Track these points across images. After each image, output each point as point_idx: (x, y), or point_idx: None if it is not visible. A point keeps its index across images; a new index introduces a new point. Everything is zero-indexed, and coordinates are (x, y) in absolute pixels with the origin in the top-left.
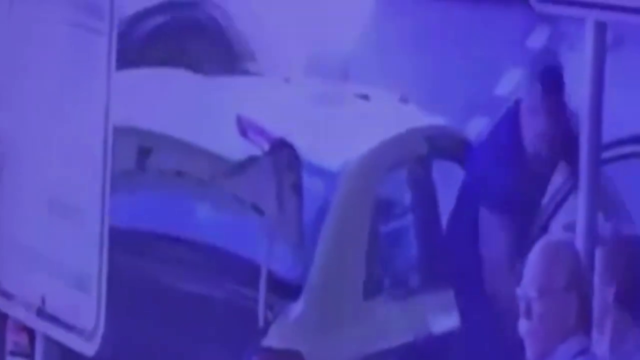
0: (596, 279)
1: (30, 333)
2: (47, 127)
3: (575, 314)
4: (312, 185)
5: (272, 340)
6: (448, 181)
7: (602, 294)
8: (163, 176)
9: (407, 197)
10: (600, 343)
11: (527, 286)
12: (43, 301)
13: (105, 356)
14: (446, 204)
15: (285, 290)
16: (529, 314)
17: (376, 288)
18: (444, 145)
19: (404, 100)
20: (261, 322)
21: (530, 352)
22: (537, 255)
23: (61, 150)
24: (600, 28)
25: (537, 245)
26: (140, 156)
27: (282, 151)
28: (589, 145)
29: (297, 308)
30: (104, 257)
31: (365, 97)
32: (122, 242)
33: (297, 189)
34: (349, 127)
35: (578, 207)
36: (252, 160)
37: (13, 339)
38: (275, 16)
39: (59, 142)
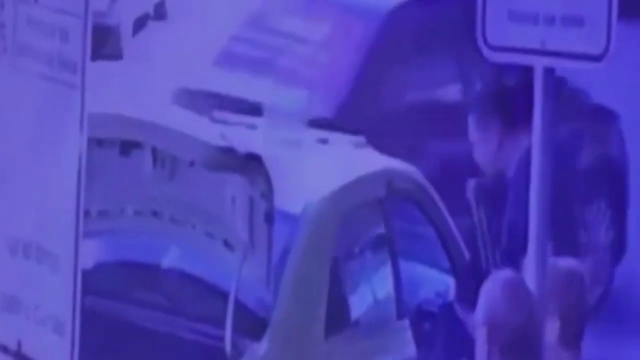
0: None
1: None
2: (22, 173)
3: (530, 351)
4: (275, 228)
5: None
6: (405, 223)
7: (560, 337)
8: (138, 216)
9: (366, 238)
10: None
11: (482, 321)
12: (19, 344)
13: None
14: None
15: (252, 326)
16: (481, 349)
17: (337, 327)
18: (401, 188)
19: (360, 144)
20: (228, 356)
21: None
22: (490, 289)
23: (35, 196)
24: (549, 74)
25: (489, 279)
26: (124, 146)
27: (255, 173)
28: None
29: (261, 347)
30: (77, 302)
31: (324, 141)
32: (95, 284)
33: (269, 217)
34: (309, 170)
35: (529, 241)
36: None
37: None
38: None
39: (33, 189)
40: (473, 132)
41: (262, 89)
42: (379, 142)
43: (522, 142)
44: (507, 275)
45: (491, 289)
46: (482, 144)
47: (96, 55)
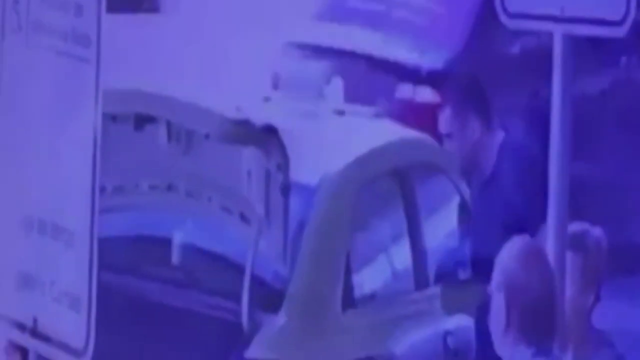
0: (570, 287)
1: (23, 353)
2: (36, 149)
3: (537, 315)
4: (291, 201)
5: (255, 352)
6: (430, 191)
7: (578, 303)
8: (153, 191)
9: (386, 209)
10: (565, 351)
11: (497, 285)
12: (35, 321)
13: None
14: (426, 214)
15: (269, 299)
16: (498, 311)
17: (354, 300)
18: (421, 156)
19: (379, 114)
20: (245, 329)
21: (496, 346)
22: (504, 254)
23: (51, 173)
24: (568, 41)
25: (507, 244)
26: (139, 121)
27: (271, 145)
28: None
29: (279, 319)
30: (93, 277)
31: (341, 113)
32: (111, 260)
33: (285, 190)
34: (326, 142)
35: (548, 209)
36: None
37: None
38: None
39: (48, 165)
40: (446, 124)
41: (374, 42)
42: (492, 92)
43: (498, 137)
44: (522, 241)
45: (507, 254)
46: (458, 137)
47: (135, 9)
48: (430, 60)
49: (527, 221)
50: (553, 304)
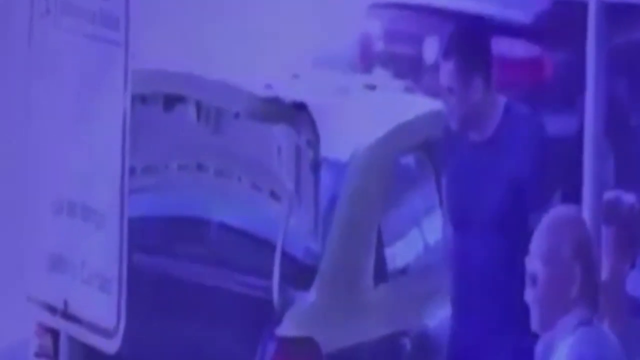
0: (609, 255)
1: (54, 335)
2: (67, 133)
3: (579, 285)
4: (322, 176)
5: (286, 328)
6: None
7: (614, 271)
8: (183, 170)
9: (418, 182)
10: (601, 319)
11: (534, 255)
12: (66, 304)
13: (126, 351)
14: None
15: (300, 276)
16: (534, 282)
17: (386, 275)
18: None
19: (409, 89)
20: (276, 307)
21: (534, 320)
22: (545, 225)
23: (81, 155)
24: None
25: (548, 215)
26: (168, 101)
27: (302, 122)
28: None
29: (310, 296)
30: (123, 258)
31: (372, 87)
32: (141, 240)
33: (316, 166)
34: (357, 117)
35: (584, 178)
36: (275, 102)
37: (37, 341)
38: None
39: (79, 147)
40: (448, 78)
41: None
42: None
43: (501, 100)
44: (560, 211)
45: (545, 225)
46: (458, 92)
47: None
48: (520, 14)
49: (526, 187)
50: (593, 272)
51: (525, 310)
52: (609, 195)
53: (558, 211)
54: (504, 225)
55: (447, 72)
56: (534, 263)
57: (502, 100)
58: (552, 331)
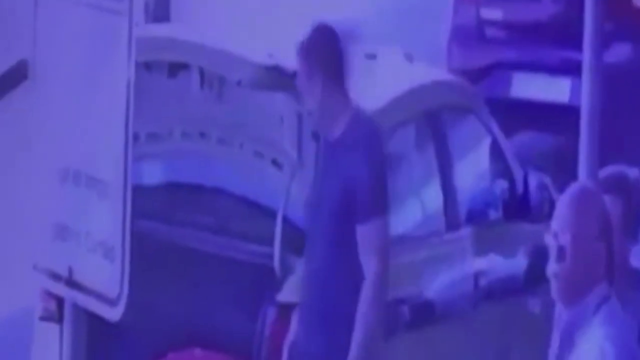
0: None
1: (59, 299)
2: (72, 102)
3: (604, 261)
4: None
5: (287, 295)
6: (461, 133)
7: (619, 245)
8: (186, 138)
9: (417, 151)
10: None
11: (561, 229)
12: (70, 271)
13: (128, 318)
14: (457, 155)
15: (301, 243)
16: (561, 257)
17: None
18: (453, 98)
19: (409, 57)
20: (277, 273)
21: (558, 296)
22: (572, 199)
23: (86, 124)
24: None
25: (570, 190)
26: (172, 68)
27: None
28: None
29: None
30: (127, 227)
31: (372, 57)
32: (144, 207)
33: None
34: (357, 86)
35: (580, 156)
36: (277, 71)
37: (43, 305)
38: None
39: (84, 116)
40: (301, 78)
41: None
42: None
43: (352, 105)
44: (582, 185)
45: (563, 201)
46: (306, 91)
47: None
48: None
49: (356, 194)
50: (613, 248)
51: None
52: (613, 170)
53: (578, 186)
54: (336, 228)
55: (298, 73)
56: (562, 238)
57: (354, 105)
58: (578, 307)
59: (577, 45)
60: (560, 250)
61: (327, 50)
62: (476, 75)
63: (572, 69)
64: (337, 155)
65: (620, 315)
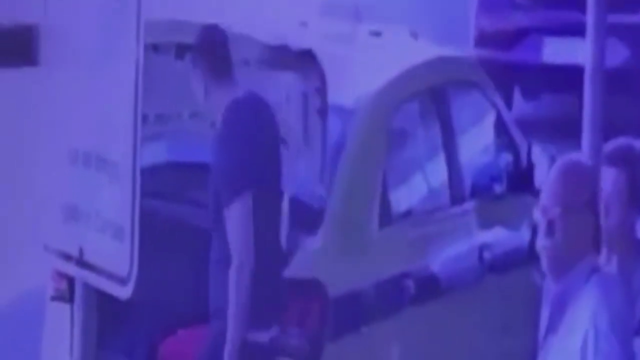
0: (620, 200)
1: (70, 279)
2: (82, 83)
3: (592, 233)
4: (329, 123)
5: (294, 271)
6: (465, 108)
7: (625, 215)
8: (194, 118)
9: (422, 127)
10: (610, 262)
11: (550, 203)
12: (81, 251)
13: (138, 296)
14: (462, 130)
15: (307, 220)
16: (550, 232)
17: (391, 218)
18: (457, 74)
19: (414, 34)
20: (284, 250)
21: (548, 269)
22: (560, 172)
23: (95, 105)
24: None
25: (558, 164)
26: (180, 50)
27: (309, 69)
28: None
29: (317, 239)
30: (136, 207)
31: (377, 34)
32: (153, 187)
33: (323, 112)
34: (363, 64)
35: (583, 124)
36: (284, 50)
37: (54, 285)
38: None
39: (94, 97)
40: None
41: None
42: None
43: (232, 91)
44: (571, 158)
45: (558, 171)
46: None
47: None
48: None
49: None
50: (600, 218)
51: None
52: (620, 141)
53: (567, 160)
54: (214, 216)
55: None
56: (550, 212)
57: (232, 94)
58: (566, 279)
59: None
60: (549, 224)
61: (207, 47)
62: (507, 42)
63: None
64: (213, 143)
65: (612, 285)
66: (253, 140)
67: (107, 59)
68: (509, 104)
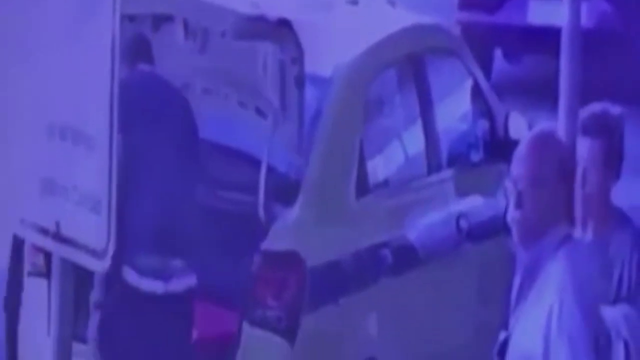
0: (596, 168)
1: (47, 254)
2: (57, 56)
3: (563, 202)
4: (306, 92)
5: (271, 242)
6: (442, 76)
7: (601, 182)
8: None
9: (399, 96)
10: (585, 230)
11: (518, 177)
12: (57, 225)
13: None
14: (439, 97)
15: (284, 191)
16: (520, 204)
17: (368, 187)
18: (435, 42)
19: (391, 2)
20: (262, 218)
21: (519, 240)
22: (530, 143)
23: (72, 78)
24: None
25: (529, 136)
26: (156, 20)
27: (286, 39)
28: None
29: (294, 210)
30: (113, 179)
31: (354, 3)
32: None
33: (300, 82)
34: (339, 33)
35: (560, 94)
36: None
37: (30, 260)
38: None
39: (69, 70)
40: None
41: None
42: None
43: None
44: (539, 131)
45: (525, 144)
46: None
47: None
48: None
49: None
50: (572, 188)
51: None
52: (596, 107)
53: (537, 131)
54: None
55: None
56: (519, 183)
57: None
58: (536, 248)
59: None
60: (519, 195)
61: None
62: (491, 3)
63: None
64: None
65: (583, 254)
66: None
67: (83, 30)
68: (491, 66)
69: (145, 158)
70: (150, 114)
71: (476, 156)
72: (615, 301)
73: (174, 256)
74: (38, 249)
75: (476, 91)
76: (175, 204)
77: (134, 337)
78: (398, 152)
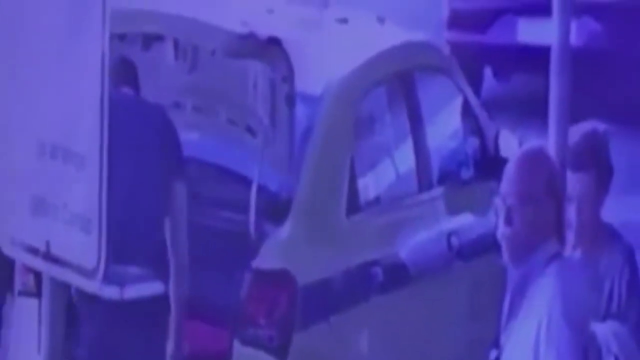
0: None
1: (37, 274)
2: (48, 75)
3: (552, 219)
4: (297, 110)
5: (262, 261)
6: (433, 93)
7: (590, 199)
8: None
9: (389, 113)
10: (575, 249)
11: (507, 194)
12: (48, 245)
13: None
14: (429, 115)
15: (275, 209)
16: (509, 221)
17: (358, 205)
18: (424, 59)
19: (381, 20)
20: (252, 237)
21: (509, 256)
22: (516, 163)
23: (62, 97)
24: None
25: (518, 153)
26: (146, 40)
27: (276, 58)
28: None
29: (285, 228)
30: (103, 198)
31: (344, 21)
32: None
33: (290, 100)
34: (329, 51)
35: (549, 112)
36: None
37: (21, 280)
38: None
39: (59, 89)
40: None
41: None
42: None
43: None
44: (529, 148)
45: (515, 161)
46: None
47: None
48: None
49: None
50: (562, 206)
51: None
52: (585, 127)
53: (527, 148)
54: None
55: None
56: (509, 200)
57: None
58: (526, 265)
59: None
60: (509, 211)
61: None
62: (480, 23)
63: (578, 12)
64: None
65: (572, 271)
66: None
67: (72, 49)
68: (480, 85)
69: (124, 180)
70: (130, 137)
71: (467, 174)
72: (605, 317)
73: (133, 264)
74: (28, 269)
75: (466, 109)
76: (151, 221)
77: (117, 351)
78: (389, 169)
